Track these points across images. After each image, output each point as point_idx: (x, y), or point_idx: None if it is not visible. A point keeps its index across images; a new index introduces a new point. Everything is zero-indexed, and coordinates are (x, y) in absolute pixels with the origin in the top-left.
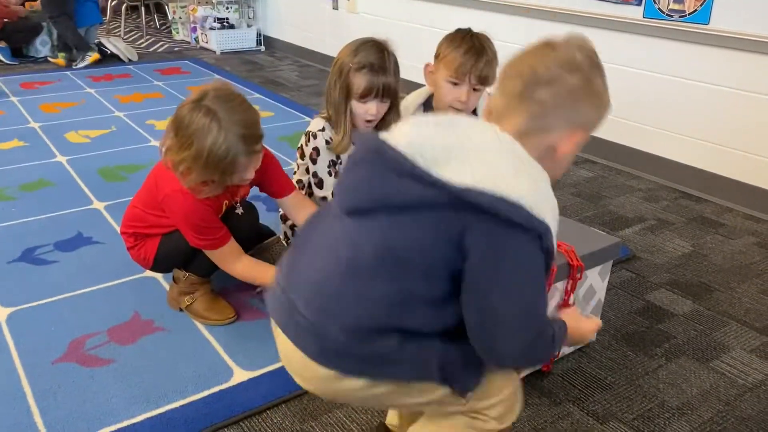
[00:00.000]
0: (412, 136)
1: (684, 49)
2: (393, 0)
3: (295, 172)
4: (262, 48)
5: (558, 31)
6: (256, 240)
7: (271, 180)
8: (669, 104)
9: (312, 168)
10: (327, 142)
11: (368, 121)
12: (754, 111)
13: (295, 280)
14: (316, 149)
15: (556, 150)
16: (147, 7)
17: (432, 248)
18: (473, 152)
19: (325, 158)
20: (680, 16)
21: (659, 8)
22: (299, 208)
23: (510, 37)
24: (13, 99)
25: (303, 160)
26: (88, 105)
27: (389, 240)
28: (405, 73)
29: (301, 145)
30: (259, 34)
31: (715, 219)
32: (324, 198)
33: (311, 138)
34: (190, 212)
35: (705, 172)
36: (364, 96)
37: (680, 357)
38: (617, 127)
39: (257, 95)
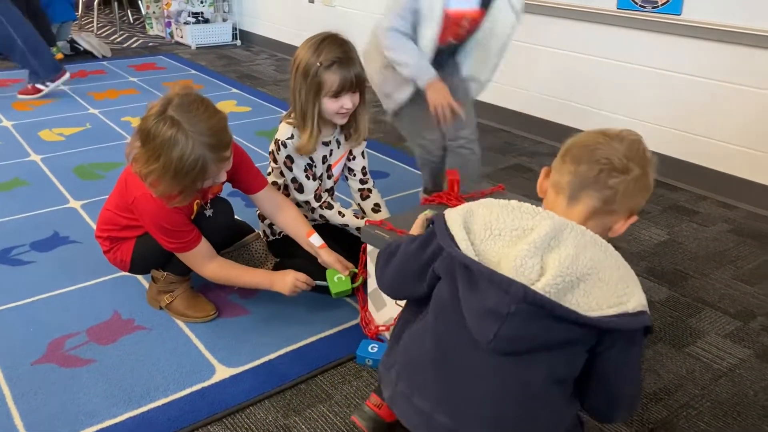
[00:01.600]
0: (550, 272)
1: (657, 40)
2: None
3: (269, 173)
4: (238, 42)
5: (534, 23)
6: (234, 237)
7: (242, 176)
8: (643, 94)
9: (289, 174)
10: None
11: (343, 115)
12: (727, 100)
13: (463, 414)
14: (289, 157)
15: (611, 230)
16: (120, 2)
17: (580, 362)
18: (592, 276)
19: (300, 164)
20: (653, 7)
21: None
22: (273, 205)
23: None
24: None
25: (276, 164)
26: (62, 102)
27: (553, 370)
28: None
29: (272, 150)
30: (234, 29)
31: (690, 207)
32: (306, 202)
33: (281, 147)
34: (159, 216)
35: (680, 161)
36: (338, 92)
37: (657, 343)
38: (592, 117)
39: (234, 90)
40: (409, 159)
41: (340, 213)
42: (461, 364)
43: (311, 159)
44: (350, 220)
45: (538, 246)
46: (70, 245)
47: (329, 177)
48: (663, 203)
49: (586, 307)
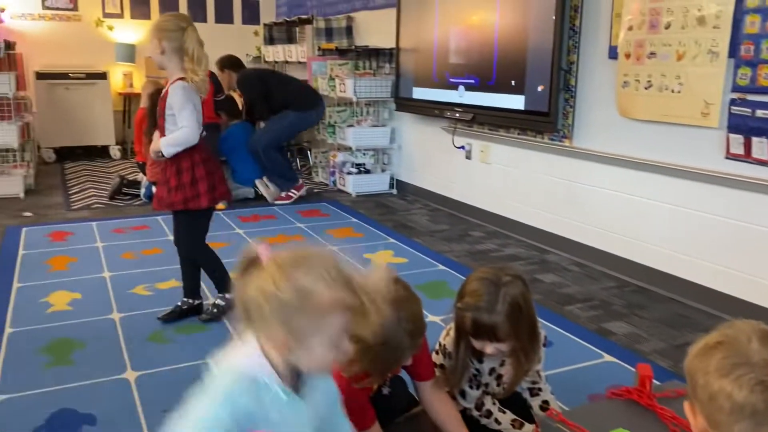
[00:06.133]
0: None
1: None
2: (523, 152)
3: (437, 352)
4: (394, 191)
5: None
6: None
7: (416, 361)
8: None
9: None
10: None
11: (488, 355)
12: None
13: None
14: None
15: None
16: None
17: None
18: None
19: (464, 376)
20: None
21: None
22: (435, 400)
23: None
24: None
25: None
26: (237, 245)
27: None
28: (538, 223)
29: (443, 345)
30: (392, 178)
31: None
32: (466, 409)
33: (445, 356)
34: (346, 392)
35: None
36: (474, 336)
37: None
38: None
39: (391, 240)
40: (571, 326)
41: (496, 420)
42: None
43: (477, 369)
44: (506, 428)
45: None
46: None
47: (498, 385)
48: None
49: None
